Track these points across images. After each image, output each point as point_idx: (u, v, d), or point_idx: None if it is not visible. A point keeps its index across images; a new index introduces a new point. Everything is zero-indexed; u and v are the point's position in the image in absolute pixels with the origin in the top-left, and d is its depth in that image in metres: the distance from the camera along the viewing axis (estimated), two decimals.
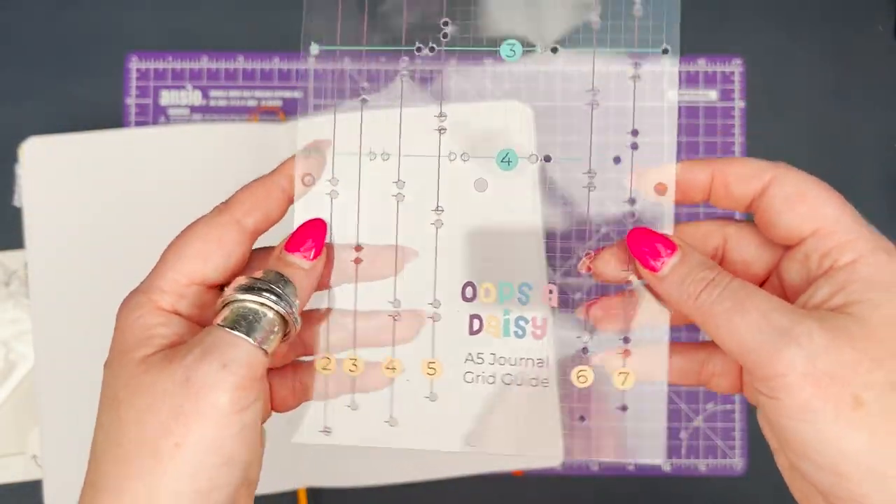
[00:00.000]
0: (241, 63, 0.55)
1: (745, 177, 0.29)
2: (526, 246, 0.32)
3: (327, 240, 0.32)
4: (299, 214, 0.32)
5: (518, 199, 0.32)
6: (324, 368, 0.32)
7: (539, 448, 0.32)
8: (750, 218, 0.31)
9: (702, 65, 0.55)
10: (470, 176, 0.32)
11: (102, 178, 0.52)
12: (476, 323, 0.32)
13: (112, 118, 0.55)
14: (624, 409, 0.32)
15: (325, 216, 0.32)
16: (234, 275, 0.31)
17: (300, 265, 0.31)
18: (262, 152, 0.52)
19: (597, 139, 0.31)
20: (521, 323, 0.32)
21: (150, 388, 0.27)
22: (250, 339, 0.28)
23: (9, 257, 0.54)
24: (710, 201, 0.31)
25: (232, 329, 0.28)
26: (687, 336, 0.53)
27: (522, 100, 0.32)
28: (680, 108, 0.55)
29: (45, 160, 0.52)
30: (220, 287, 0.31)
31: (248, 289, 0.29)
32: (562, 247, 0.32)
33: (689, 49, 0.55)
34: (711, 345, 0.31)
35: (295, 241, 0.31)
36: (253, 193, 0.31)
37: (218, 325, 0.28)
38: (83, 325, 0.51)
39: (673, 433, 0.53)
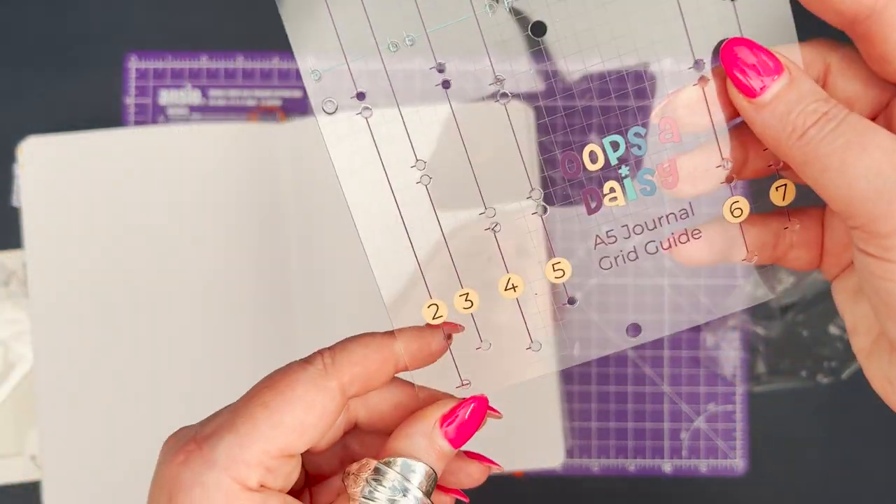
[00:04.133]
0: (240, 63, 0.55)
1: None
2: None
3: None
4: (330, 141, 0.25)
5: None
6: (434, 317, 0.27)
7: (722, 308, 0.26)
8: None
9: None
10: (522, 24, 0.25)
11: (101, 178, 0.52)
12: (592, 199, 0.26)
13: (111, 118, 0.55)
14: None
15: (364, 136, 0.25)
16: (318, 441, 0.26)
17: (445, 450, 0.26)
18: (261, 152, 0.52)
19: None
20: (647, 176, 0.26)
21: None
22: None
23: (7, 257, 0.53)
24: (802, 1, 0.24)
25: None
26: (689, 339, 0.53)
27: None
28: None
29: (43, 160, 0.52)
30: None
31: (376, 482, 0.25)
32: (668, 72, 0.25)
33: None
34: (786, 213, 0.27)
35: (456, 421, 0.26)
36: (365, 360, 0.26)
37: None
38: (82, 325, 0.51)
39: (674, 434, 0.53)
